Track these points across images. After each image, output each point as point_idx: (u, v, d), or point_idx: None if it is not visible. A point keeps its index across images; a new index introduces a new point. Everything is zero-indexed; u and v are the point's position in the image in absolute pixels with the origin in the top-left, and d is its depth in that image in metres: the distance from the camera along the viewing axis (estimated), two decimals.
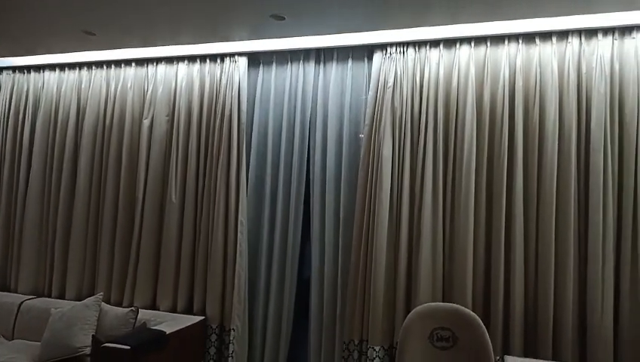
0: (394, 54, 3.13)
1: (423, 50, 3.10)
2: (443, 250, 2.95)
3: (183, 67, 3.62)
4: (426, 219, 2.94)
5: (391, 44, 3.14)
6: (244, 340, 3.34)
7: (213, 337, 3.34)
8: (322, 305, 3.25)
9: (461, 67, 2.99)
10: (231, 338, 3.28)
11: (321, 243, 3.29)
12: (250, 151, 3.48)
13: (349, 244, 3.16)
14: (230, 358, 3.27)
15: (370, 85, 3.17)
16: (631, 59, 2.74)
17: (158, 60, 3.68)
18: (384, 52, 3.15)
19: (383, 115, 3.07)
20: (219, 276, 3.34)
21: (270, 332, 3.35)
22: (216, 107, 3.50)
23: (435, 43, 3.08)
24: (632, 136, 2.70)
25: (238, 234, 3.34)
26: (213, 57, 3.55)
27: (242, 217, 3.36)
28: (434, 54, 3.07)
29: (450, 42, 3.05)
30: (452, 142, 2.98)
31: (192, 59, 3.60)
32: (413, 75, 3.09)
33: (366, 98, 3.21)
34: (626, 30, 2.77)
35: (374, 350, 2.94)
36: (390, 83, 3.09)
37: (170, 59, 3.66)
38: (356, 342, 3.03)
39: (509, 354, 2.72)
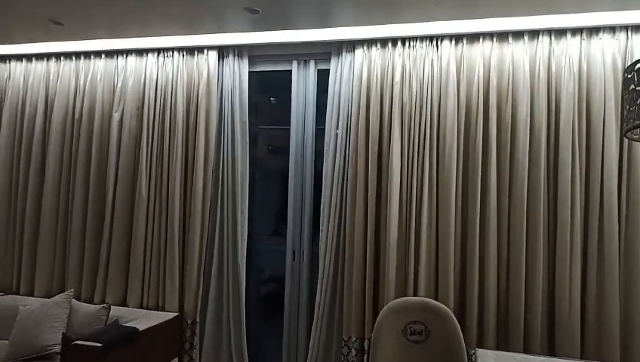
0: (369, 50, 3.14)
1: (395, 46, 3.12)
2: (436, 247, 2.98)
3: (152, 59, 3.55)
4: (424, 217, 2.96)
5: (366, 41, 3.14)
6: (211, 334, 3.37)
7: (188, 333, 3.33)
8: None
9: (442, 63, 3.01)
10: (196, 332, 3.31)
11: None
12: (220, 144, 3.45)
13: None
14: (195, 351, 3.30)
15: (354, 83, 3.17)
16: (597, 59, 2.81)
17: (127, 52, 3.60)
18: (365, 48, 3.16)
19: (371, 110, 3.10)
20: (192, 272, 3.32)
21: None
22: (188, 100, 3.46)
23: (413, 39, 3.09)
24: (599, 133, 2.78)
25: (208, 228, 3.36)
26: (183, 50, 3.49)
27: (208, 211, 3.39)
28: (400, 51, 3.09)
29: (433, 38, 3.06)
30: (435, 138, 3.00)
31: (161, 51, 3.54)
32: (391, 72, 3.10)
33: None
34: (593, 31, 2.84)
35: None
36: (365, 79, 3.11)
37: (139, 51, 3.58)
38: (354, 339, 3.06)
39: (482, 348, 2.78)
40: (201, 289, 3.34)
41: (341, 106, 3.18)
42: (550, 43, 2.88)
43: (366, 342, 3.01)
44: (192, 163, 3.40)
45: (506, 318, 2.86)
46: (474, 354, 2.81)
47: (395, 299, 2.92)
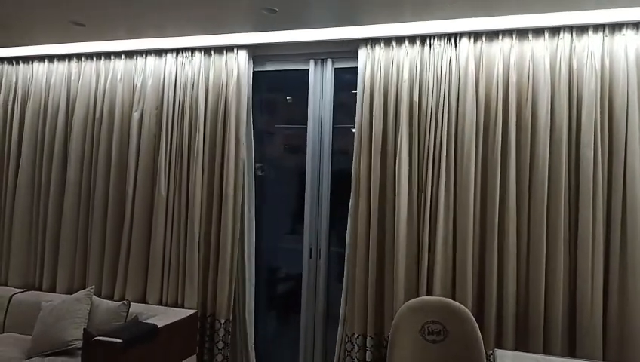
0: (380, 49, 3.14)
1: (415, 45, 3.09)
2: (454, 247, 2.96)
3: (171, 59, 3.58)
4: (440, 216, 2.94)
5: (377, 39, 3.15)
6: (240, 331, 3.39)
7: (207, 330, 3.36)
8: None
9: (461, 61, 2.99)
10: (224, 331, 3.31)
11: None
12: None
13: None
14: (224, 350, 3.31)
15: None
16: (621, 56, 2.75)
17: (147, 52, 3.65)
18: (370, 47, 3.16)
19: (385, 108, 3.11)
20: (224, 271, 3.32)
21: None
22: (216, 99, 3.46)
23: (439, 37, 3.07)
24: (622, 131, 2.72)
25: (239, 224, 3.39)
26: (200, 50, 3.53)
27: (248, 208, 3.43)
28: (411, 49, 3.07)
29: (451, 36, 3.03)
30: (452, 137, 2.97)
31: (180, 51, 3.57)
32: (410, 69, 3.08)
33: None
34: (615, 27, 2.78)
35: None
36: (377, 78, 3.11)
37: (158, 52, 3.62)
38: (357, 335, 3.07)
39: (501, 348, 2.75)
40: (233, 287, 3.34)
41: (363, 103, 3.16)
42: (571, 40, 2.84)
43: (368, 339, 3.02)
44: (220, 162, 3.39)
45: (525, 318, 2.83)
46: (492, 354, 2.78)
47: (406, 298, 2.92)
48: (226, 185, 3.35)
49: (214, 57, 3.49)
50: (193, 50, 3.54)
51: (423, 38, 3.07)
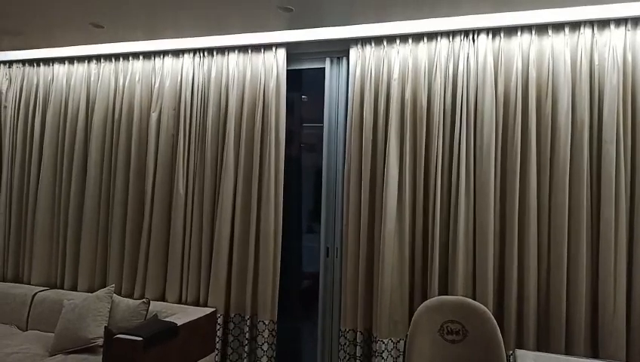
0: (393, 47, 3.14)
1: (433, 41, 3.07)
2: (474, 246, 2.94)
3: (188, 60, 3.61)
4: (462, 214, 2.92)
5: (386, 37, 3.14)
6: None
7: (231, 327, 3.37)
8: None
9: (479, 58, 2.96)
10: (268, 332, 3.29)
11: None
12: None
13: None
14: (269, 351, 3.30)
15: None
16: None
17: (164, 53, 3.68)
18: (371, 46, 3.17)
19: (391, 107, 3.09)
20: (267, 273, 3.31)
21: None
22: (243, 99, 3.46)
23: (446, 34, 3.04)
24: None
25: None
26: (217, 50, 3.55)
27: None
28: (444, 45, 3.04)
29: (468, 32, 3.00)
30: (472, 134, 2.95)
31: (196, 51, 3.59)
32: (424, 68, 3.07)
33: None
34: (638, 21, 2.72)
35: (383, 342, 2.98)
36: (395, 76, 3.10)
37: (175, 52, 3.65)
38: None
39: (521, 349, 2.72)
40: (277, 288, 3.31)
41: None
42: (593, 34, 2.78)
43: (358, 335, 3.08)
44: (258, 161, 3.37)
45: (546, 318, 2.79)
46: (512, 354, 2.75)
47: (395, 296, 2.97)
48: (267, 185, 3.32)
49: (251, 56, 3.45)
50: (224, 49, 3.53)
51: (434, 35, 3.06)
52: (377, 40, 3.19)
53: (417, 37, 3.09)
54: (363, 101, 3.17)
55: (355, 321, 3.12)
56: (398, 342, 3.00)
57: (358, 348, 3.08)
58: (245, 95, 3.45)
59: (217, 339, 3.34)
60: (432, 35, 3.06)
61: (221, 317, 3.36)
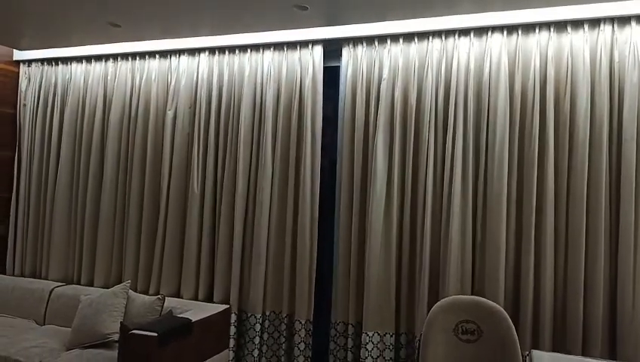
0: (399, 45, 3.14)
1: (450, 39, 3.04)
2: (473, 244, 2.93)
3: (204, 58, 3.63)
4: (456, 213, 2.91)
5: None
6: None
7: (248, 324, 3.37)
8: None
9: (493, 56, 2.93)
10: (305, 331, 3.27)
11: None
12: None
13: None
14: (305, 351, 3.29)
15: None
16: None
17: (180, 52, 3.70)
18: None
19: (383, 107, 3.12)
20: (303, 272, 3.27)
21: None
22: (279, 97, 3.42)
23: (465, 32, 3.01)
24: None
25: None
26: (232, 49, 3.56)
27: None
28: (463, 43, 3.01)
29: (481, 31, 2.98)
30: (484, 133, 2.93)
31: (212, 50, 3.61)
32: (439, 65, 3.06)
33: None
34: None
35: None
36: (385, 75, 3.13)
37: (191, 51, 3.67)
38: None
39: (537, 349, 2.68)
40: (313, 288, 3.27)
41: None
42: (613, 31, 2.74)
43: (349, 327, 3.14)
44: (295, 158, 3.34)
45: (563, 318, 2.75)
46: (528, 355, 2.72)
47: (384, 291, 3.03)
48: (303, 183, 3.27)
49: (287, 53, 3.42)
50: (224, 49, 3.57)
51: (448, 33, 3.06)
52: (369, 40, 3.21)
53: (419, 36, 3.10)
54: (355, 100, 3.22)
55: (347, 314, 3.17)
56: (384, 335, 3.03)
57: (349, 339, 3.12)
58: (282, 93, 3.40)
59: (230, 336, 3.36)
60: (449, 33, 3.05)
61: (235, 314, 3.38)
